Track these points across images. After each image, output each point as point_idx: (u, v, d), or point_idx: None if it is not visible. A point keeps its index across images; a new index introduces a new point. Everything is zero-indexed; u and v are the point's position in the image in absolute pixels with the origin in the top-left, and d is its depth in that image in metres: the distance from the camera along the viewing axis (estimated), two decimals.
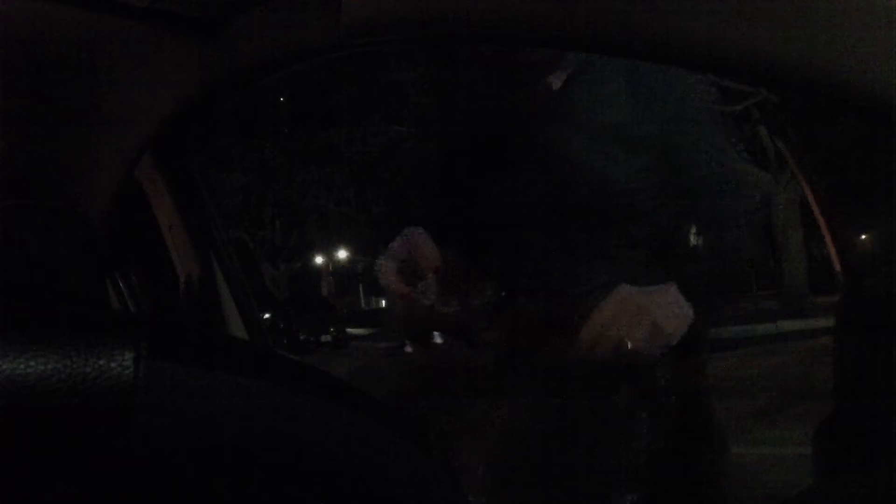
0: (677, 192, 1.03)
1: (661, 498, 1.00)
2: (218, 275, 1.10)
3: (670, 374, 1.00)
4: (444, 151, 1.25)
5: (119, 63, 0.83)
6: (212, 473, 0.34)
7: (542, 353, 1.05)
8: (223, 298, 1.10)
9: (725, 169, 1.04)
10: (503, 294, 1.09)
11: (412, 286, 1.02)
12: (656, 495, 1.00)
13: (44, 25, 0.78)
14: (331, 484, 0.36)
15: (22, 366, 0.30)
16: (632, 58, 1.00)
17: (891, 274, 0.97)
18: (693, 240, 1.04)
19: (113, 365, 0.31)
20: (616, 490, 1.00)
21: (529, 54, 1.05)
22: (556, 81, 1.05)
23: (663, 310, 0.95)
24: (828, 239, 1.10)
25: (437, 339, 1.06)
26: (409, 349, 1.07)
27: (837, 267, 1.09)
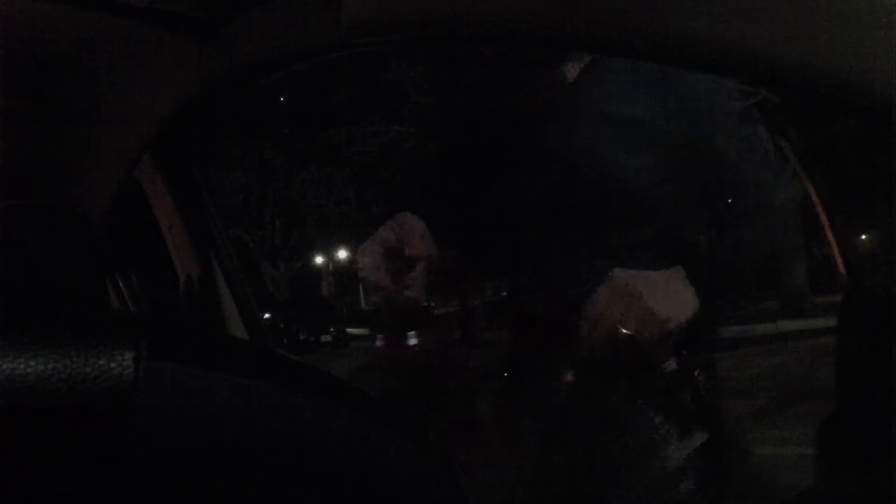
0: (692, 189, 1.02)
1: (662, 496, 1.00)
2: (218, 275, 1.10)
3: (675, 367, 0.98)
4: (445, 150, 1.24)
5: (119, 63, 0.83)
6: (212, 473, 0.34)
7: (543, 353, 1.05)
8: (223, 298, 1.10)
9: (743, 166, 1.02)
10: (504, 294, 1.08)
11: (397, 276, 0.99)
12: (657, 493, 1.00)
13: (44, 25, 0.78)
14: (331, 484, 0.36)
15: (22, 366, 0.30)
16: (632, 58, 1.00)
17: (891, 274, 0.97)
18: (704, 238, 1.02)
19: (113, 365, 0.31)
20: (617, 489, 1.00)
21: (536, 49, 1.05)
22: (572, 72, 1.04)
23: (658, 294, 0.93)
24: (828, 239, 1.10)
25: (414, 337, 1.03)
26: (379, 343, 1.04)
27: (837, 267, 1.09)
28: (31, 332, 0.31)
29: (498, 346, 1.14)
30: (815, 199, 1.09)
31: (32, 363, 0.30)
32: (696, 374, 1.00)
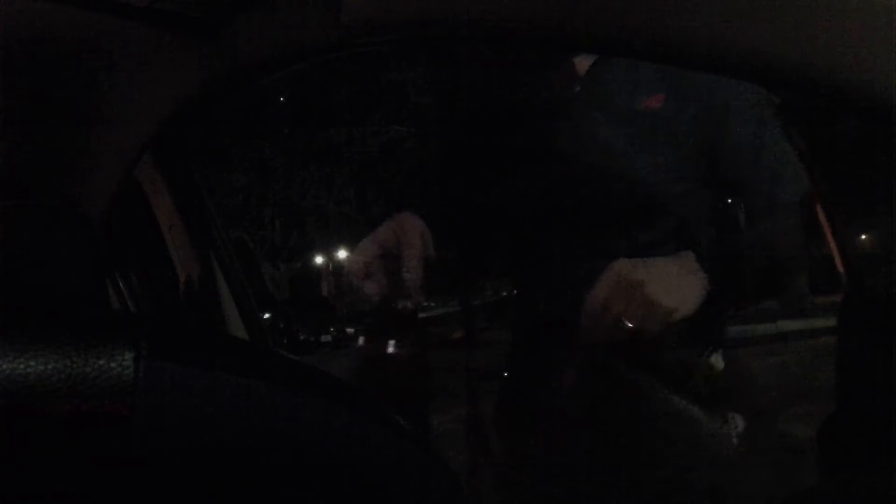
0: (694, 189, 1.01)
1: (662, 495, 1.00)
2: (218, 275, 1.10)
3: (677, 365, 0.97)
4: (445, 150, 1.24)
5: (119, 63, 0.83)
6: (212, 473, 0.34)
7: (545, 353, 1.05)
8: (223, 298, 1.10)
9: (746, 165, 1.01)
10: (505, 293, 1.08)
11: (392, 276, 0.98)
12: (657, 492, 1.00)
13: (44, 25, 0.78)
14: (331, 484, 0.36)
15: (22, 366, 0.30)
16: (632, 58, 1.00)
17: (891, 274, 0.97)
18: (708, 237, 1.01)
19: (113, 365, 0.31)
20: (617, 488, 1.00)
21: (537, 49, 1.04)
22: (578, 69, 1.04)
23: (662, 283, 0.90)
24: (828, 239, 1.10)
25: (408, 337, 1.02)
26: (361, 342, 1.03)
27: (837, 267, 1.08)
28: (31, 332, 0.31)
29: (498, 345, 1.14)
30: (815, 199, 1.09)
31: (32, 363, 0.30)
32: (697, 372, 1.00)
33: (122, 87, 0.85)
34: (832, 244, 1.06)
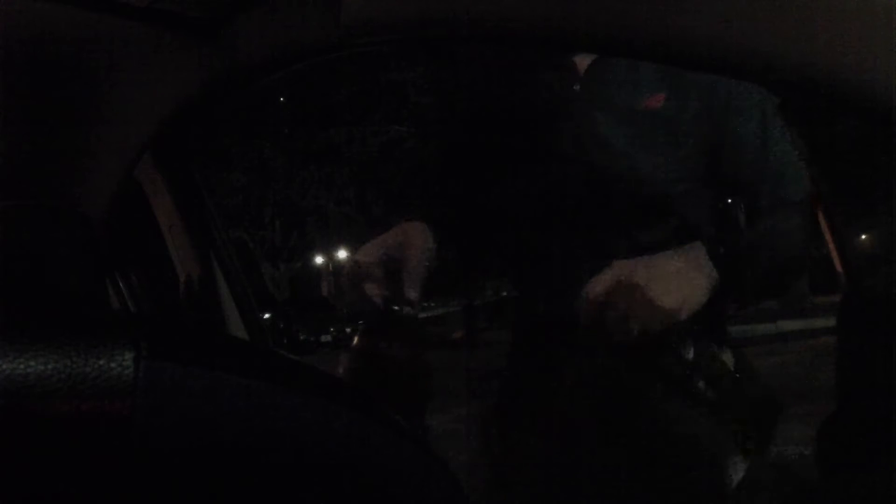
0: (695, 189, 1.01)
1: (662, 495, 1.00)
2: (218, 275, 1.10)
3: (677, 365, 0.96)
4: (445, 150, 1.24)
5: (119, 63, 0.83)
6: (212, 473, 0.34)
7: (546, 353, 1.05)
8: (223, 298, 1.10)
9: (747, 165, 1.01)
10: (505, 294, 1.08)
11: (392, 282, 0.98)
12: (657, 492, 1.00)
13: (44, 25, 0.78)
14: (331, 484, 0.36)
15: (22, 366, 0.30)
16: (632, 58, 1.00)
17: (891, 274, 0.97)
18: (710, 237, 1.01)
19: (113, 365, 0.31)
20: (616, 488, 1.00)
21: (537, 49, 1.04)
22: (577, 68, 1.04)
23: (663, 283, 0.89)
24: (828, 239, 1.10)
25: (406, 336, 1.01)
26: (356, 342, 1.03)
27: (837, 267, 1.08)
28: (31, 332, 0.31)
29: (498, 345, 1.14)
30: (815, 199, 1.09)
31: (32, 363, 0.30)
32: (698, 372, 1.00)
33: (122, 87, 0.85)
34: (832, 244, 1.06)
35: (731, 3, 0.50)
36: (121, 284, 1.05)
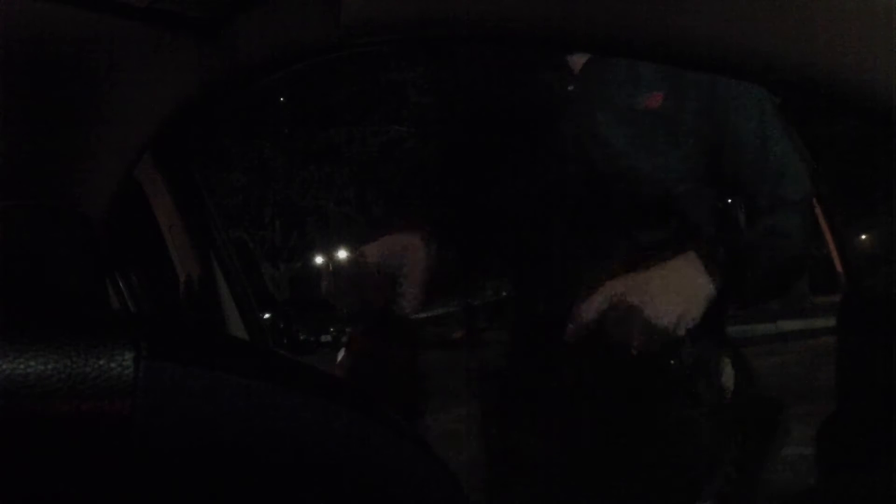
0: (695, 189, 1.00)
1: (662, 495, 1.00)
2: (218, 275, 1.10)
3: (677, 366, 0.95)
4: (444, 150, 1.24)
5: (119, 63, 0.83)
6: (212, 473, 0.34)
7: (547, 352, 1.04)
8: (223, 298, 1.10)
9: (746, 165, 1.00)
10: (505, 294, 1.08)
11: (391, 287, 0.99)
12: (657, 493, 1.00)
13: (44, 25, 0.78)
14: (331, 484, 0.36)
15: (22, 366, 0.30)
16: (632, 58, 1.00)
17: (891, 274, 0.97)
18: (709, 238, 1.00)
19: (113, 365, 0.31)
20: (616, 489, 1.00)
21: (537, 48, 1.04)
22: (577, 64, 1.03)
23: (658, 301, 0.88)
24: (828, 239, 1.10)
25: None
26: (355, 341, 1.03)
27: (837, 267, 1.08)
28: (31, 332, 0.31)
29: (498, 345, 1.14)
30: (815, 199, 1.09)
31: (32, 363, 0.30)
32: (697, 372, 1.00)
33: (122, 87, 0.85)
34: (832, 244, 1.06)
35: (731, 3, 0.50)
36: (121, 284, 1.05)
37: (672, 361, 0.95)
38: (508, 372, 1.13)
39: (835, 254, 1.08)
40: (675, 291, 0.90)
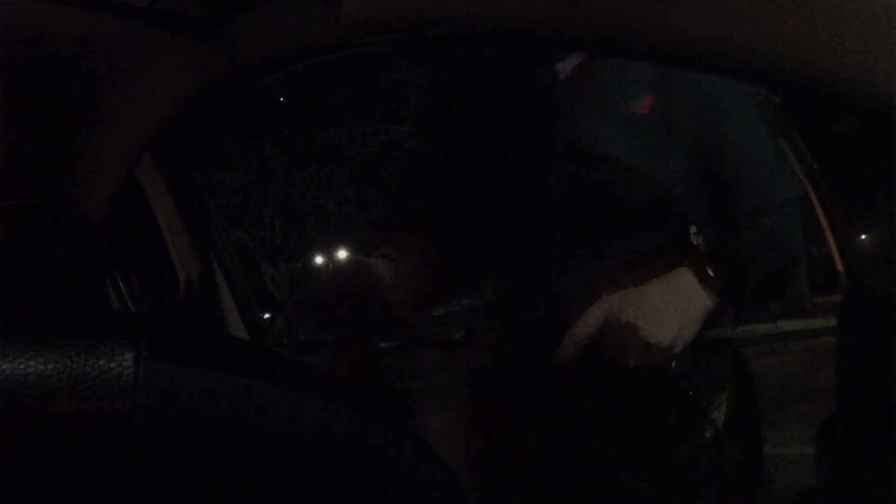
0: (694, 190, 1.00)
1: (662, 496, 1.00)
2: (218, 275, 1.10)
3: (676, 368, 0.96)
4: (441, 151, 1.24)
5: (119, 63, 0.83)
6: (212, 473, 0.34)
7: (547, 353, 1.04)
8: (223, 298, 1.10)
9: (744, 166, 1.00)
10: (504, 294, 1.08)
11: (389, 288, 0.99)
12: (656, 493, 1.00)
13: (44, 25, 0.78)
14: (331, 484, 0.36)
15: (22, 366, 0.30)
16: (632, 58, 1.00)
17: (891, 274, 0.97)
18: (698, 238, 1.00)
19: (113, 365, 0.31)
20: (616, 489, 1.00)
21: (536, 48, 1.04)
22: (564, 71, 1.03)
23: (659, 318, 0.88)
24: (828, 239, 1.10)
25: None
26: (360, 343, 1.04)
27: (837, 267, 1.08)
28: (31, 332, 0.31)
29: (498, 345, 1.14)
30: (815, 199, 1.09)
31: (32, 363, 0.30)
32: (696, 374, 1.00)
33: (122, 87, 0.85)
34: (832, 244, 1.06)
35: (731, 3, 0.50)
36: (121, 284, 1.05)
37: (669, 366, 0.95)
38: (507, 372, 1.13)
39: (835, 254, 1.08)
40: (672, 310, 0.90)
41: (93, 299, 0.91)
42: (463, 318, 1.14)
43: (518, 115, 1.09)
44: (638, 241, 1.00)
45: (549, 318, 1.04)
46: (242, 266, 1.17)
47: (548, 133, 1.05)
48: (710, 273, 0.91)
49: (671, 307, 0.90)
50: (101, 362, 0.31)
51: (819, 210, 1.09)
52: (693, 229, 1.00)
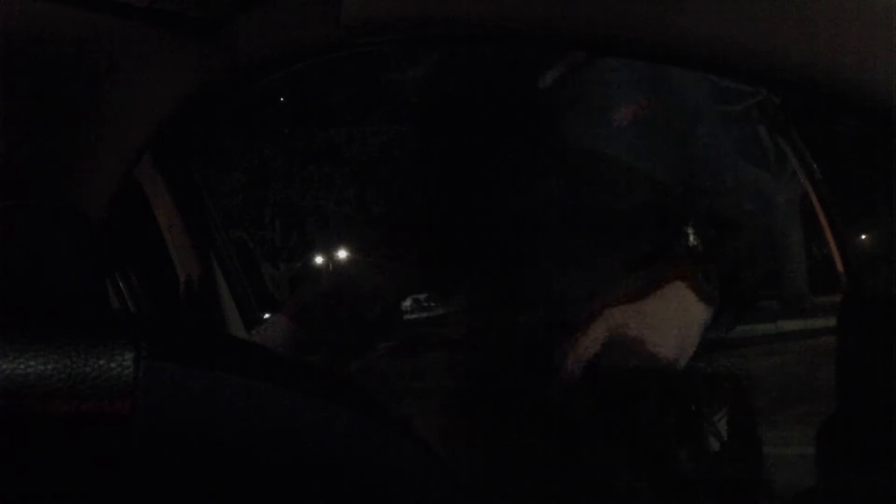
0: (694, 190, 1.00)
1: (661, 496, 1.00)
2: (218, 275, 1.10)
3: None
4: (440, 152, 1.24)
5: (119, 63, 0.83)
6: (212, 473, 0.34)
7: (545, 353, 1.04)
8: (223, 298, 1.10)
9: (733, 168, 1.00)
10: (504, 294, 1.08)
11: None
12: (656, 494, 1.00)
13: (44, 25, 0.78)
14: (331, 484, 0.36)
15: (22, 366, 0.30)
16: (632, 58, 1.00)
17: (891, 274, 0.97)
18: (696, 241, 1.01)
19: (113, 365, 0.31)
20: (615, 489, 1.00)
21: (521, 54, 1.04)
22: (563, 71, 1.03)
23: (659, 335, 0.88)
24: (828, 239, 1.10)
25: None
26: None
27: (837, 267, 1.08)
28: (31, 332, 0.31)
29: (498, 346, 1.14)
30: (814, 199, 1.09)
31: (32, 363, 0.30)
32: (696, 375, 1.00)
33: (122, 87, 0.85)
34: (832, 244, 1.06)
35: (731, 3, 0.50)
36: (121, 284, 1.05)
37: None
38: (507, 373, 1.13)
39: (835, 254, 1.08)
40: (675, 321, 0.90)
41: (93, 299, 0.91)
42: (462, 318, 1.14)
43: (517, 116, 1.09)
44: (636, 242, 1.00)
45: (549, 319, 1.04)
46: (242, 266, 1.17)
47: (546, 134, 1.05)
48: (709, 280, 0.92)
49: (674, 321, 0.90)
50: (101, 362, 0.31)
51: (819, 210, 1.09)
52: (691, 230, 1.00)
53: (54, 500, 0.32)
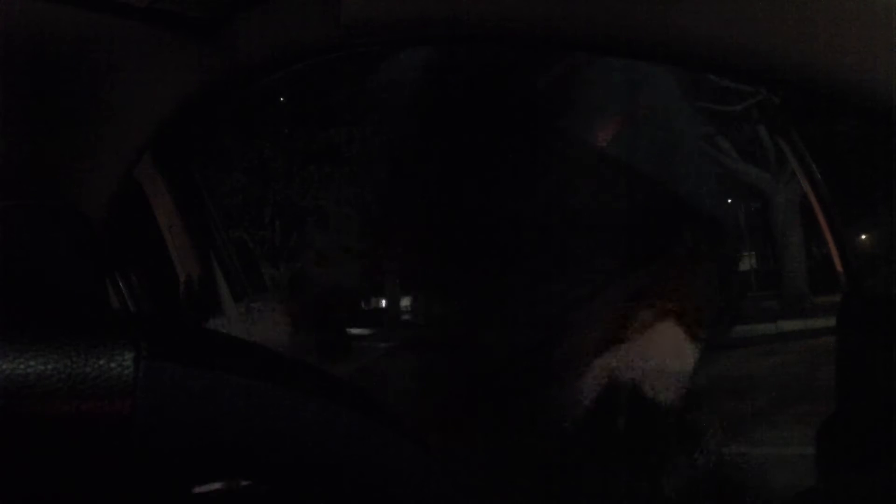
0: (692, 191, 1.01)
1: (661, 496, 1.00)
2: (218, 275, 1.10)
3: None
4: (439, 152, 1.24)
5: (119, 63, 0.83)
6: (212, 474, 0.34)
7: (545, 353, 1.04)
8: (223, 299, 1.10)
9: (733, 168, 1.01)
10: (503, 295, 1.08)
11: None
12: (655, 494, 1.00)
13: (44, 25, 0.78)
14: (331, 484, 0.36)
15: (22, 366, 0.30)
16: (632, 58, 1.00)
17: (891, 274, 0.97)
18: (696, 241, 1.01)
19: (113, 365, 0.31)
20: (614, 489, 1.00)
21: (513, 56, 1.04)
22: (547, 79, 1.03)
23: (659, 335, 0.89)
24: (828, 239, 1.10)
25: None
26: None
27: (837, 267, 1.08)
28: (31, 332, 0.31)
29: (497, 346, 1.14)
30: (814, 199, 1.09)
31: (32, 363, 0.30)
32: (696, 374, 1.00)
33: (122, 87, 0.85)
34: (832, 244, 1.06)
35: (731, 3, 0.50)
36: (121, 284, 1.05)
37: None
38: (506, 372, 1.13)
39: (835, 254, 1.08)
40: (671, 325, 0.91)
41: (93, 299, 0.91)
42: (462, 318, 1.14)
43: (517, 116, 1.09)
44: (636, 242, 1.00)
45: (548, 319, 1.04)
46: (242, 266, 1.17)
47: (547, 133, 1.05)
48: (708, 281, 0.92)
49: (673, 321, 0.91)
50: (101, 362, 0.31)
51: (819, 210, 1.09)
52: (691, 230, 1.00)
53: (54, 500, 0.32)
